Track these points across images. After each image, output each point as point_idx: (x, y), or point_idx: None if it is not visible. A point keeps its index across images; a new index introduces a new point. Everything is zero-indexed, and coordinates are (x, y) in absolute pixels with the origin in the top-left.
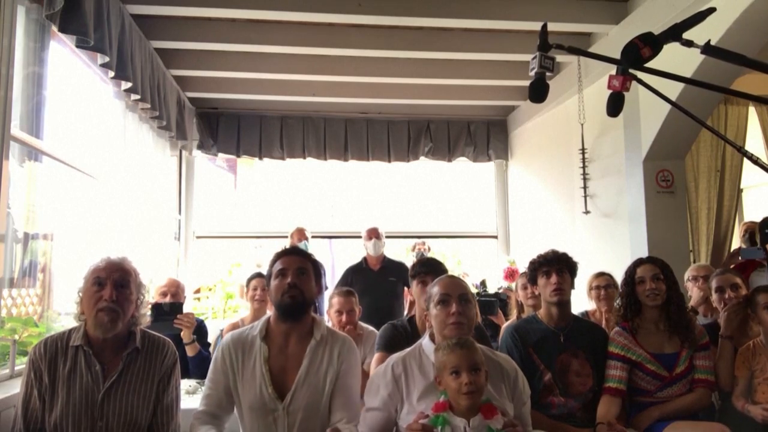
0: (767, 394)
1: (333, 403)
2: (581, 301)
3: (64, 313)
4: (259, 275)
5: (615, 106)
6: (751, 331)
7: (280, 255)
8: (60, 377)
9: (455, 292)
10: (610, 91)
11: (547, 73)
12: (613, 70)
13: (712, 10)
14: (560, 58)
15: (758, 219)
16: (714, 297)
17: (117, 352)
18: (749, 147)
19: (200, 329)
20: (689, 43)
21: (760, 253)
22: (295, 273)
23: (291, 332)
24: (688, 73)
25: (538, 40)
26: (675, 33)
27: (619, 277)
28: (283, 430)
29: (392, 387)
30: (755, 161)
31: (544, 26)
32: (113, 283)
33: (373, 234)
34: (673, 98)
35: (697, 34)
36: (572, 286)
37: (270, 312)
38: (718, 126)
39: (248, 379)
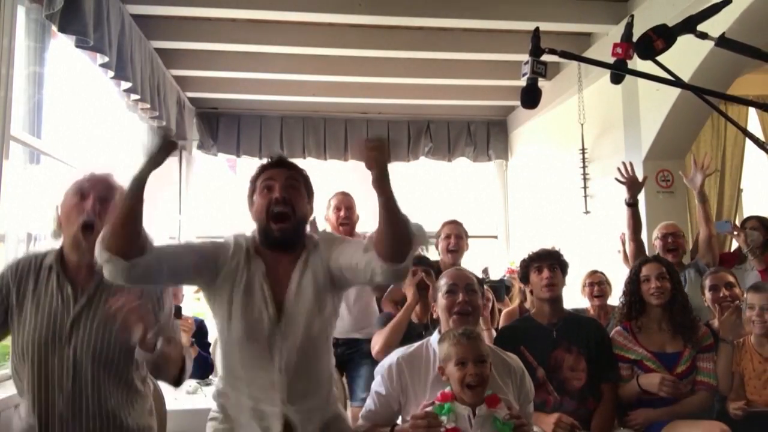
0: (757, 391)
1: (342, 259)
2: (576, 300)
3: None
4: None
5: (618, 74)
6: (743, 330)
7: (265, 167)
8: (28, 299)
9: (462, 282)
10: (614, 59)
11: (540, 79)
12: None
13: (727, 1)
14: (560, 57)
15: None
16: (708, 296)
17: (91, 271)
18: (749, 146)
19: (201, 329)
20: (703, 35)
21: (728, 226)
22: (283, 185)
23: (281, 257)
24: (689, 72)
25: (530, 45)
26: (689, 25)
27: (615, 276)
28: (279, 360)
29: (396, 382)
30: (755, 140)
31: (536, 31)
32: (97, 195)
33: None
34: (673, 98)
35: (701, 28)
36: (564, 284)
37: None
38: (718, 125)
39: (244, 298)
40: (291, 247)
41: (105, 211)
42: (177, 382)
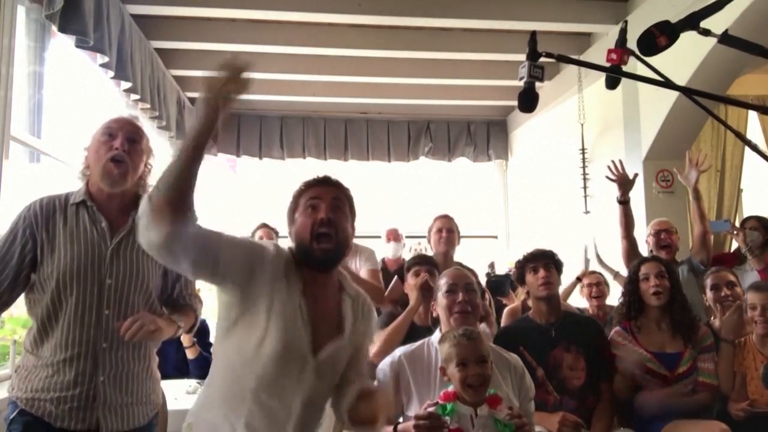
0: (759, 391)
1: (348, 373)
2: (575, 300)
3: None
4: (264, 225)
5: (613, 79)
6: (744, 330)
7: (310, 184)
8: (60, 234)
9: (461, 282)
10: (609, 64)
11: (537, 83)
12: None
13: None
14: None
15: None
16: (709, 295)
17: (124, 211)
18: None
19: (202, 329)
20: (707, 32)
21: (726, 225)
22: (330, 206)
23: (317, 277)
24: (689, 72)
25: (527, 49)
26: (692, 21)
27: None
28: (305, 391)
29: (399, 379)
30: (751, 146)
31: (533, 34)
32: (125, 135)
33: (392, 235)
34: (673, 99)
35: (704, 25)
36: (559, 283)
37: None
38: (718, 125)
39: (281, 306)
40: (330, 268)
41: (133, 151)
42: (189, 332)
